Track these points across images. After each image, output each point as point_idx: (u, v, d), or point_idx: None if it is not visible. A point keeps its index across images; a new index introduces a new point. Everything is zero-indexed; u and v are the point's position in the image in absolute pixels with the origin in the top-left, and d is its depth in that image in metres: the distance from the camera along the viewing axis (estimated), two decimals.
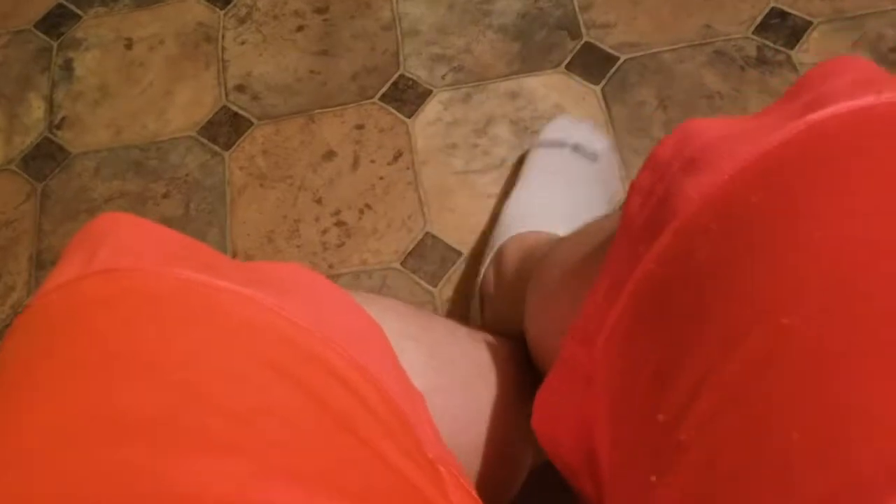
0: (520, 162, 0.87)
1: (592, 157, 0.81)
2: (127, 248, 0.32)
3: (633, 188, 0.33)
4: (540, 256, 0.61)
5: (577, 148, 0.80)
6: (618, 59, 0.94)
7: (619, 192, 0.84)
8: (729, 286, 0.27)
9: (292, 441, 0.27)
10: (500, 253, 0.73)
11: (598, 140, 0.82)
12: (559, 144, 0.81)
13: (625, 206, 0.33)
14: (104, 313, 0.29)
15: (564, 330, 0.35)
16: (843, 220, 0.25)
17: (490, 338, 0.57)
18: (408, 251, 0.87)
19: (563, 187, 0.78)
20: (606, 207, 0.80)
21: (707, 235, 0.28)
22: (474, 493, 0.34)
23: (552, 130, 0.83)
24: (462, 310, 0.83)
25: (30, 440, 0.25)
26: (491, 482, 0.48)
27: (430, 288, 0.85)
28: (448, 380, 0.45)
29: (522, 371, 0.55)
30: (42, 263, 0.92)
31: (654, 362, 0.28)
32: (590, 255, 0.42)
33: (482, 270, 0.75)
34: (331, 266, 0.87)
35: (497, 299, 0.72)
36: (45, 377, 0.27)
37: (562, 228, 0.72)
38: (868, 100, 0.28)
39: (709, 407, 0.25)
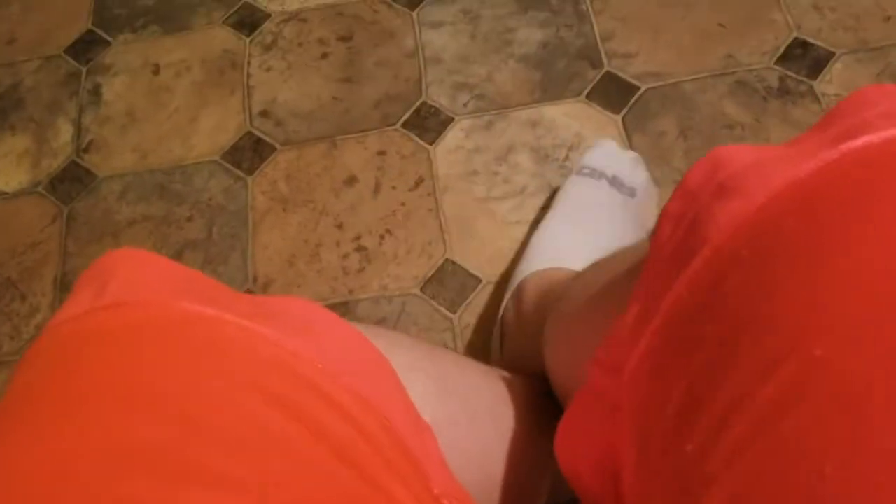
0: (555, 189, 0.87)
1: (630, 191, 0.79)
2: (135, 282, 0.32)
3: (663, 215, 0.33)
4: (561, 291, 0.60)
5: (614, 180, 0.78)
6: (639, 88, 0.95)
7: (650, 230, 0.83)
8: (761, 315, 0.26)
9: (292, 475, 0.27)
10: (521, 288, 0.72)
11: (638, 174, 0.80)
12: (598, 175, 0.79)
13: (654, 233, 0.33)
14: (110, 346, 0.30)
15: (586, 359, 0.35)
16: (877, 250, 0.25)
17: (503, 373, 0.57)
18: (427, 277, 0.87)
19: (595, 222, 0.76)
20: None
21: (738, 262, 0.28)
22: None
23: (593, 158, 0.80)
24: (481, 337, 0.83)
25: (30, 473, 0.25)
26: None
27: (450, 314, 0.85)
28: (455, 412, 0.45)
29: (538, 406, 0.55)
30: (66, 285, 0.93)
31: (684, 391, 0.28)
32: (613, 285, 0.41)
33: (503, 304, 0.75)
34: (350, 291, 0.88)
35: (517, 334, 0.72)
36: (49, 410, 0.27)
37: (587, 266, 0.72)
38: None
39: (738, 438, 0.25)
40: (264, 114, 1.01)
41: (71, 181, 1.00)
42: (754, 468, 0.24)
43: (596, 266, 0.51)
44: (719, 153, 0.32)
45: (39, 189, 1.00)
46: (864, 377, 0.23)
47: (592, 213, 0.77)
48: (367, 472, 0.29)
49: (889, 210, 0.26)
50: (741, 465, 0.24)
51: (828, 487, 0.22)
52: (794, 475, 0.23)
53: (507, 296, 0.74)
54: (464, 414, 0.47)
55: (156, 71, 1.07)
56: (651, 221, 0.82)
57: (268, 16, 1.09)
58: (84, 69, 1.09)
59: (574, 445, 0.37)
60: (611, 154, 0.81)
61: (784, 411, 0.24)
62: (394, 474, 0.30)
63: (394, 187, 0.93)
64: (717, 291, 0.28)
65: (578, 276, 0.53)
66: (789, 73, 0.93)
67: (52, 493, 0.24)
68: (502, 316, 0.75)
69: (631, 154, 0.82)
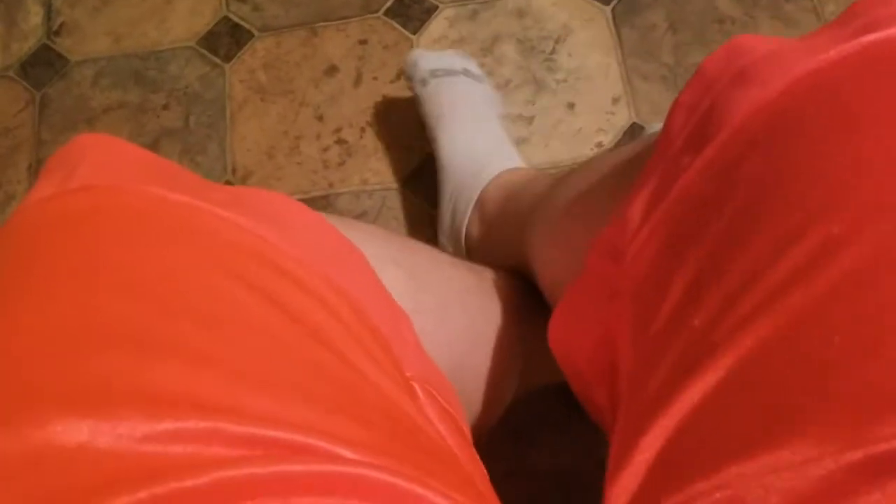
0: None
1: (479, 78, 0.81)
2: (106, 166, 0.32)
3: (676, 105, 0.32)
4: (533, 193, 0.60)
5: (467, 73, 0.80)
6: None
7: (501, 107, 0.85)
8: (777, 195, 0.27)
9: (267, 352, 0.27)
10: (482, 199, 0.73)
11: (473, 64, 0.82)
12: (453, 73, 0.79)
13: (666, 122, 0.33)
14: (83, 228, 0.29)
15: (582, 252, 0.35)
16: (893, 132, 0.25)
17: (477, 266, 0.58)
18: (409, 172, 0.86)
19: (486, 112, 0.78)
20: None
21: (756, 146, 0.28)
22: (455, 411, 0.35)
23: (434, 61, 0.80)
24: None
25: (10, 345, 0.26)
26: (473, 401, 0.49)
27: (431, 210, 0.85)
28: (426, 302, 0.45)
29: (510, 297, 0.55)
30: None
31: (693, 270, 0.28)
32: (611, 177, 0.41)
33: (465, 220, 0.74)
34: (331, 185, 0.87)
35: (485, 244, 0.72)
36: (25, 289, 0.27)
37: (504, 155, 0.74)
38: None
39: (748, 310, 0.25)
40: None
41: (43, 65, 0.97)
42: (763, 337, 0.24)
43: (584, 167, 0.51)
44: (738, 41, 0.32)
45: (10, 73, 0.97)
46: (876, 254, 0.23)
47: (480, 105, 0.79)
48: (340, 350, 0.30)
49: None
50: (749, 334, 0.25)
51: (835, 355, 0.22)
52: (803, 344, 0.23)
53: (468, 212, 0.74)
54: (437, 304, 0.47)
55: None
56: (499, 102, 0.84)
57: None
58: None
59: (570, 331, 0.37)
60: (443, 55, 0.82)
61: (795, 286, 0.24)
62: (366, 355, 0.30)
63: (375, 78, 0.91)
64: (733, 174, 0.28)
65: (564, 178, 0.53)
66: None
67: (23, 370, 0.25)
68: (466, 235, 0.75)
69: (456, 51, 0.84)
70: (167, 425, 0.23)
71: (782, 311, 0.24)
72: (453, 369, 0.41)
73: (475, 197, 0.73)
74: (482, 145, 0.76)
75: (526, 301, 0.57)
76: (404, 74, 0.82)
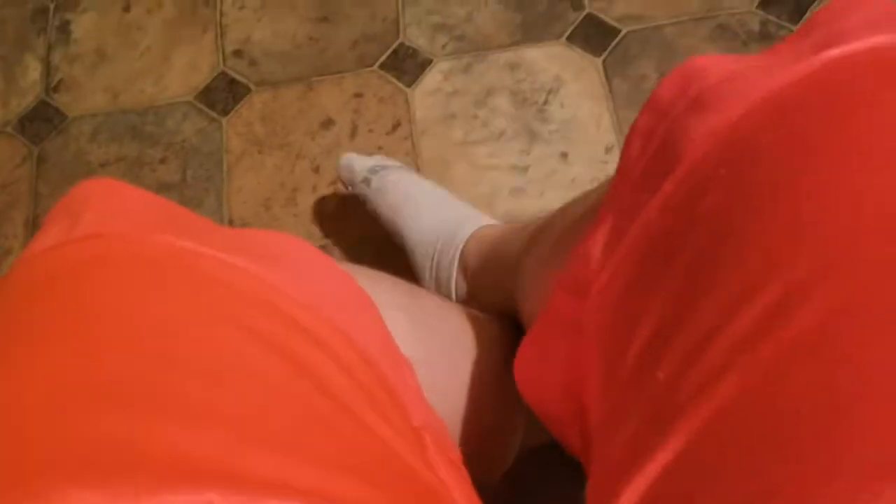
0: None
1: (395, 166, 0.83)
2: (110, 213, 0.32)
3: (632, 131, 0.31)
4: (523, 234, 0.60)
5: (372, 170, 0.81)
6: (620, 31, 0.94)
7: None
8: (737, 239, 0.25)
9: (271, 407, 0.27)
10: (463, 257, 0.73)
11: (388, 159, 0.85)
12: (387, 166, 0.81)
13: (624, 150, 0.31)
14: (86, 279, 0.29)
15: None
16: (858, 165, 0.24)
17: (479, 314, 0.57)
18: None
19: (439, 191, 0.80)
20: None
21: (714, 182, 0.27)
22: (460, 462, 0.34)
23: (366, 161, 0.82)
24: None
25: (9, 403, 0.25)
26: (476, 454, 0.48)
27: None
28: (433, 351, 0.45)
29: (512, 346, 0.55)
30: (38, 227, 0.92)
31: (656, 316, 0.27)
32: (582, 220, 0.41)
33: (453, 279, 0.75)
34: (327, 235, 0.87)
35: (475, 295, 0.72)
36: (24, 343, 0.27)
37: (487, 217, 0.75)
38: (884, 38, 0.26)
39: (712, 367, 0.24)
40: (238, 53, 0.99)
41: (41, 121, 0.98)
42: (725, 400, 0.23)
43: (566, 208, 0.51)
44: (693, 64, 0.31)
45: (8, 129, 0.98)
46: (838, 304, 0.22)
47: (426, 186, 0.80)
48: (347, 404, 0.29)
49: (870, 122, 0.25)
50: (712, 396, 0.23)
51: (804, 427, 0.21)
52: (769, 410, 0.22)
53: (454, 271, 0.74)
54: (441, 353, 0.47)
55: (126, 7, 1.04)
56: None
57: None
58: (52, 5, 1.05)
59: (536, 370, 0.36)
60: (369, 157, 0.84)
61: (759, 341, 0.23)
62: (373, 407, 0.30)
63: (371, 130, 0.92)
64: (692, 212, 0.27)
65: (547, 221, 0.53)
66: (771, 17, 0.92)
67: (24, 429, 0.24)
68: (456, 290, 0.75)
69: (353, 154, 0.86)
70: (164, 497, 0.22)
71: (746, 369, 0.23)
72: (460, 416, 0.41)
73: (457, 256, 0.73)
74: (450, 214, 0.77)
75: None
76: (341, 181, 0.83)
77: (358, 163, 0.81)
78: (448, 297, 0.75)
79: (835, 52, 0.26)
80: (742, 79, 0.28)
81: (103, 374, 0.26)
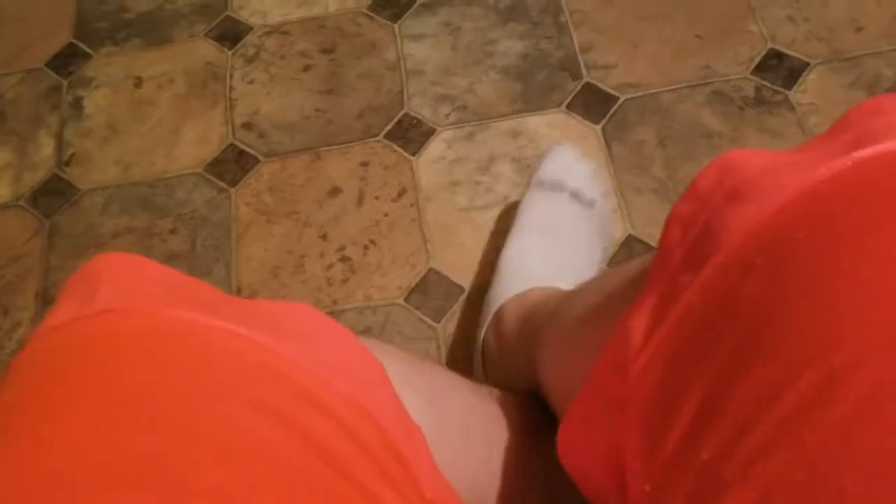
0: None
1: (590, 203, 0.80)
2: (124, 288, 0.32)
3: (672, 217, 0.33)
4: (548, 311, 0.60)
5: (575, 194, 0.79)
6: (618, 99, 0.96)
7: (613, 239, 0.84)
8: (778, 325, 0.26)
9: (280, 483, 0.27)
10: (500, 313, 0.73)
11: (596, 186, 0.81)
12: (558, 188, 0.79)
13: (663, 236, 0.33)
14: (100, 356, 0.29)
15: (585, 373, 0.35)
16: (892, 259, 0.25)
17: (495, 391, 0.57)
18: (412, 287, 0.88)
19: (560, 237, 0.77)
20: (602, 255, 0.80)
21: (753, 270, 0.28)
22: None
23: (551, 170, 0.81)
24: (465, 347, 0.84)
25: (21, 487, 0.25)
26: None
27: (434, 324, 0.85)
28: (445, 431, 0.44)
29: (530, 425, 0.55)
30: (49, 299, 0.93)
31: (698, 398, 0.28)
32: (616, 296, 0.42)
33: (482, 330, 0.75)
34: (335, 301, 0.88)
35: (500, 358, 0.72)
36: (40, 422, 0.27)
37: (559, 281, 0.72)
38: None
39: (756, 446, 0.25)
40: (247, 126, 1.01)
41: (53, 194, 1.00)
42: (772, 479, 0.24)
43: (584, 288, 0.52)
44: (731, 157, 0.32)
45: (21, 203, 1.00)
46: (882, 387, 0.23)
47: (557, 229, 0.77)
48: (359, 478, 0.29)
49: None
50: (759, 475, 0.24)
51: (850, 496, 0.22)
52: (814, 489, 0.23)
53: (486, 322, 0.74)
54: (455, 432, 0.47)
55: (138, 84, 1.07)
56: (609, 231, 0.83)
57: (250, 28, 1.09)
58: (65, 82, 1.09)
59: (578, 444, 0.37)
60: (569, 165, 0.81)
61: (803, 422, 0.24)
62: (386, 480, 0.30)
63: (377, 198, 0.94)
64: (732, 299, 0.28)
65: (574, 293, 0.53)
66: (765, 82, 0.94)
67: None
68: (483, 341, 0.75)
69: (588, 164, 0.83)
70: None
71: (788, 451, 0.24)
72: (473, 500, 0.41)
73: (493, 309, 0.73)
74: (533, 261, 0.75)
75: (544, 425, 0.56)
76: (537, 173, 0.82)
77: (549, 164, 0.80)
78: (476, 345, 0.75)
79: (866, 151, 0.28)
80: (778, 172, 0.30)
81: (117, 451, 0.26)
